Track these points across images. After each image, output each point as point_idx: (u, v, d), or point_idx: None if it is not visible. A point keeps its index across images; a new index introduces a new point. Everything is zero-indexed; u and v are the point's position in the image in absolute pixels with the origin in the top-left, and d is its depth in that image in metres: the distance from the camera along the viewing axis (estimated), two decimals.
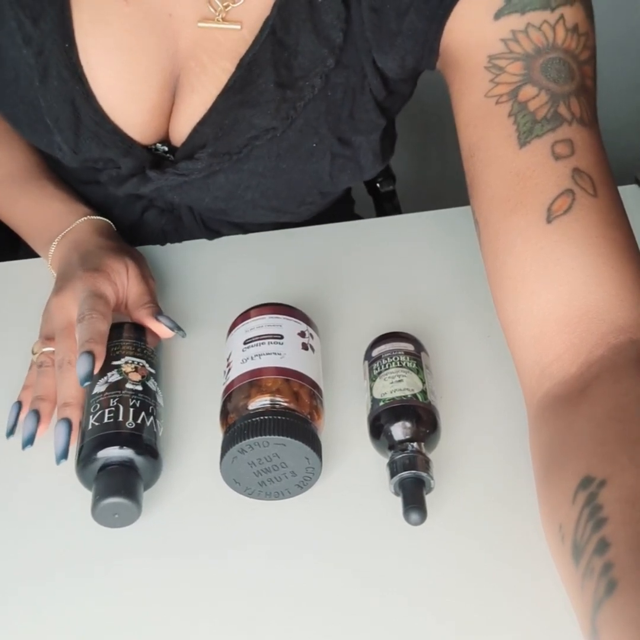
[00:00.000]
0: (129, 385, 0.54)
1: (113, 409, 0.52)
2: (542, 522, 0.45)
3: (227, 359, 0.55)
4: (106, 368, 0.55)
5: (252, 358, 0.53)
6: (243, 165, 0.64)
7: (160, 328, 0.60)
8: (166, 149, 0.65)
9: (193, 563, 0.50)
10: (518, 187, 0.50)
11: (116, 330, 0.58)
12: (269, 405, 0.51)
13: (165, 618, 0.48)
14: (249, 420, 0.50)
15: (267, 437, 0.48)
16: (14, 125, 0.66)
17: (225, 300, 0.65)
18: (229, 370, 0.54)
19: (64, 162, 0.65)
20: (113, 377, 0.55)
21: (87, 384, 0.53)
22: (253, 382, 0.52)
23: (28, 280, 0.68)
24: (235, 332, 0.57)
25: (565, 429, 0.44)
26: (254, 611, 0.48)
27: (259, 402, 0.51)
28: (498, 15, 0.52)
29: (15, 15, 0.58)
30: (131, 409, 0.53)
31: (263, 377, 0.52)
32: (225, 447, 0.50)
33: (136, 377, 0.55)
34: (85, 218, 0.67)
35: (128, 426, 0.52)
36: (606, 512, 0.37)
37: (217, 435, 0.53)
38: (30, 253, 0.71)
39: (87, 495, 0.51)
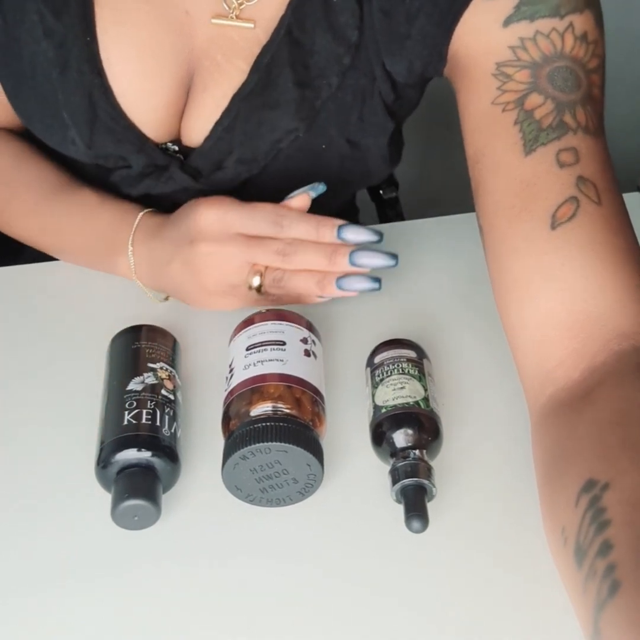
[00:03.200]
0: (164, 392, 0.54)
1: (151, 411, 0.52)
2: (544, 526, 0.45)
3: (230, 365, 0.55)
4: (142, 368, 0.55)
5: (254, 364, 0.53)
6: None
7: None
8: (177, 148, 0.65)
9: (195, 570, 0.50)
10: (523, 194, 0.50)
11: (153, 333, 0.58)
12: (270, 412, 0.51)
13: (174, 620, 0.48)
14: (251, 427, 0.50)
15: (269, 443, 0.48)
16: (26, 122, 0.66)
17: None
18: (231, 376, 0.54)
19: (77, 157, 0.65)
20: (149, 378, 0.54)
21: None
22: (255, 388, 0.52)
23: (31, 286, 0.69)
24: (237, 338, 0.57)
25: (568, 433, 0.44)
26: (255, 617, 0.48)
27: (261, 408, 0.51)
28: (507, 23, 0.52)
29: (37, 9, 0.59)
30: (166, 417, 0.53)
31: (265, 383, 0.52)
32: (227, 454, 0.50)
33: (170, 385, 0.55)
34: (145, 211, 0.64)
35: (164, 433, 0.52)
36: (609, 514, 0.37)
37: (219, 441, 0.53)
38: (32, 259, 0.71)
39: (102, 496, 0.51)
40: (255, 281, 0.57)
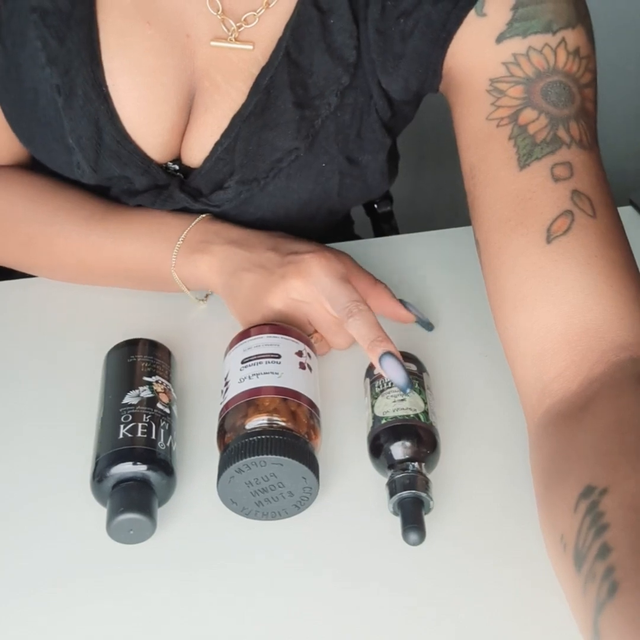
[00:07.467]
0: (159, 406, 0.54)
1: (146, 425, 0.52)
2: (543, 534, 0.45)
3: (225, 378, 0.55)
4: (138, 382, 0.55)
5: (249, 377, 0.53)
6: None
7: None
8: (177, 167, 0.66)
9: (191, 583, 0.50)
10: (518, 208, 0.50)
11: (149, 346, 0.58)
12: (266, 425, 0.51)
13: (170, 633, 0.47)
14: (246, 440, 0.49)
15: (264, 456, 0.48)
16: (28, 146, 0.66)
17: (223, 319, 0.65)
18: (227, 389, 0.54)
19: (81, 180, 0.65)
20: (145, 392, 0.54)
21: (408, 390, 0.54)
22: (250, 401, 0.52)
23: (26, 300, 0.69)
24: (233, 351, 0.57)
25: (567, 442, 0.44)
26: (251, 629, 0.47)
27: (256, 421, 0.51)
28: (500, 39, 0.53)
29: (40, 35, 0.59)
30: (162, 430, 0.53)
31: (260, 396, 0.52)
32: (222, 467, 0.50)
33: (165, 399, 0.55)
34: (203, 216, 0.65)
35: (160, 447, 0.52)
36: (608, 518, 0.38)
37: (214, 454, 0.53)
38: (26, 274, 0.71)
39: (98, 510, 0.51)
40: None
